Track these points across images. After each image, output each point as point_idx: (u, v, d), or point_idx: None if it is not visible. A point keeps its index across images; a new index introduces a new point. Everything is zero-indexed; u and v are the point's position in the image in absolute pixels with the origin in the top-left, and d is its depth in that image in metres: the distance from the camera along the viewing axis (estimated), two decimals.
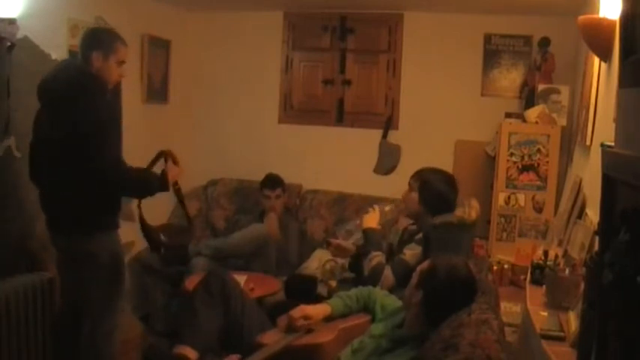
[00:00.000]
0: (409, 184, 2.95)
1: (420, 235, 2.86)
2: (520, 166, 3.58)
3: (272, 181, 3.98)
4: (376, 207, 3.05)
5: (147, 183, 2.58)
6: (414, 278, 2.10)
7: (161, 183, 2.58)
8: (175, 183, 2.71)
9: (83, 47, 2.61)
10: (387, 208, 3.11)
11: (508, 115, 3.80)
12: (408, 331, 2.07)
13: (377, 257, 2.83)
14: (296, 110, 4.49)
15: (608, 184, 1.21)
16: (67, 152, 2.40)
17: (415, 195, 2.90)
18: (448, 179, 2.94)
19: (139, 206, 2.71)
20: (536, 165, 3.56)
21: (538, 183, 3.57)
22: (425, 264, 2.13)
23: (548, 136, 3.55)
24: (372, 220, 2.98)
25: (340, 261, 3.36)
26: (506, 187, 3.61)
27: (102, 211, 2.53)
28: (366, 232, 2.95)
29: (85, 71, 2.52)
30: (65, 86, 2.46)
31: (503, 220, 3.61)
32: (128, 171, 2.51)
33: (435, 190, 2.87)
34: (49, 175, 2.52)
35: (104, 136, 2.42)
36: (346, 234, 3.46)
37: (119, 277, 2.60)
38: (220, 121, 4.59)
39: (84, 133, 2.37)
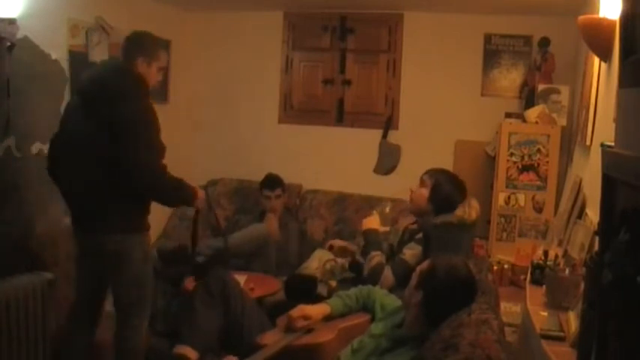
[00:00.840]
0: (421, 179, 2.94)
1: (420, 234, 2.86)
2: (520, 166, 3.58)
3: (272, 181, 3.98)
4: (375, 212, 3.10)
5: (180, 194, 2.65)
6: (414, 278, 2.10)
7: (190, 199, 2.68)
8: (197, 211, 2.83)
9: (128, 50, 2.67)
10: (386, 210, 3.14)
11: (508, 115, 3.79)
12: (408, 331, 2.07)
13: (376, 257, 2.83)
14: (296, 110, 4.49)
15: (608, 184, 1.21)
16: (105, 152, 2.42)
17: (425, 191, 2.90)
18: (459, 184, 2.96)
19: (196, 213, 2.88)
20: (536, 165, 3.56)
21: (538, 183, 3.57)
22: (424, 264, 2.13)
23: (548, 136, 3.55)
24: (372, 222, 3.00)
25: (340, 261, 3.36)
26: (506, 187, 3.61)
27: (135, 212, 2.57)
28: (366, 233, 2.97)
29: (135, 74, 2.57)
30: (115, 87, 2.50)
31: (503, 220, 3.61)
32: (164, 177, 2.53)
33: (446, 191, 2.88)
34: (80, 172, 2.51)
35: (146, 138, 2.47)
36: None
37: (149, 276, 2.65)
38: (220, 121, 4.59)
39: (128, 135, 2.41)
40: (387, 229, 3.13)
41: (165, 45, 2.76)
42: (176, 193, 2.63)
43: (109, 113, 2.42)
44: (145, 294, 2.64)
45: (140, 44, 2.68)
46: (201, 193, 2.74)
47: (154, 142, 2.51)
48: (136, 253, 2.55)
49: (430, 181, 2.91)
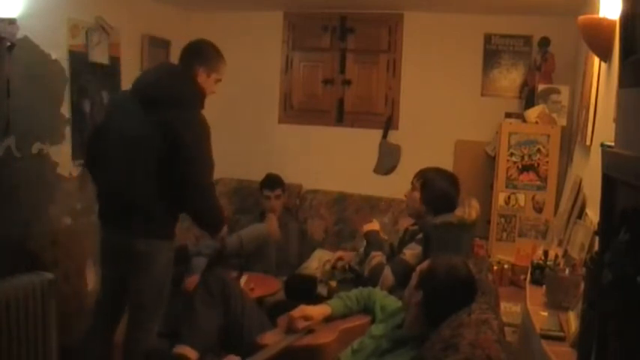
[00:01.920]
0: (412, 183, 2.96)
1: (421, 235, 2.86)
2: (520, 166, 3.58)
3: (272, 182, 3.98)
4: (375, 220, 3.12)
5: (218, 219, 2.71)
6: (414, 279, 2.10)
7: (220, 226, 2.74)
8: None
9: (188, 58, 2.70)
10: (386, 220, 3.17)
11: (508, 115, 3.79)
12: (408, 331, 2.07)
13: (377, 257, 2.83)
14: (296, 110, 4.49)
15: (608, 184, 1.21)
16: (158, 156, 2.42)
17: (417, 194, 2.90)
18: (450, 178, 2.95)
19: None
20: (536, 165, 3.56)
21: (538, 183, 3.57)
22: (424, 264, 2.13)
23: (548, 136, 3.55)
24: (372, 226, 3.03)
25: (340, 263, 3.37)
26: (506, 187, 3.60)
27: (171, 221, 2.61)
28: (367, 235, 2.98)
29: (197, 83, 2.62)
30: (178, 92, 2.54)
31: (503, 220, 3.61)
32: (215, 200, 2.62)
33: (437, 189, 2.88)
34: (126, 174, 2.50)
35: (207, 157, 2.51)
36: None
37: (169, 282, 2.69)
38: (220, 120, 4.57)
39: (192, 152, 2.44)
40: (387, 238, 3.16)
41: (224, 58, 2.86)
42: (217, 218, 2.68)
43: (169, 118, 2.43)
44: (162, 298, 2.66)
45: (201, 53, 2.72)
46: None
47: (211, 160, 2.53)
48: (162, 257, 2.58)
49: (419, 182, 2.92)
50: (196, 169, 2.46)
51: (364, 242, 3.06)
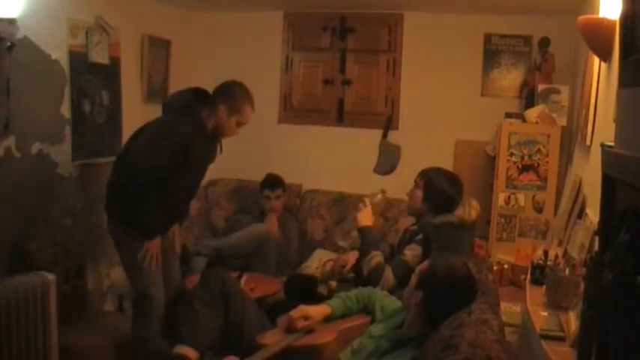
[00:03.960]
0: (415, 181, 2.96)
1: (421, 235, 2.86)
2: (520, 166, 3.58)
3: (272, 182, 3.98)
4: (367, 200, 3.01)
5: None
6: (413, 279, 2.10)
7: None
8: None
9: (215, 94, 2.92)
10: (377, 199, 3.08)
11: (508, 115, 3.79)
12: (408, 331, 2.07)
13: (376, 257, 2.82)
14: (296, 110, 4.49)
15: (608, 184, 1.21)
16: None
17: (420, 193, 2.90)
18: (453, 179, 2.95)
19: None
20: (536, 165, 3.56)
21: (538, 183, 3.57)
22: (424, 264, 2.13)
23: (548, 136, 3.55)
24: (365, 217, 2.94)
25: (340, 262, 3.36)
26: (506, 187, 3.60)
27: None
28: (362, 231, 2.92)
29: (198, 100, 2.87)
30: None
31: (503, 220, 3.61)
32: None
33: (438, 189, 2.88)
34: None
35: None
36: (344, 235, 3.46)
37: None
38: None
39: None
40: (379, 221, 3.09)
41: (253, 102, 3.05)
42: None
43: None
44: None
45: (227, 92, 2.90)
46: (154, 244, 2.81)
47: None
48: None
49: (422, 181, 2.91)
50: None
51: (359, 237, 3.00)
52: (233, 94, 2.91)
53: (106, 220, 2.93)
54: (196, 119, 2.84)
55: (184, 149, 2.77)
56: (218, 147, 3.03)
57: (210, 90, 2.97)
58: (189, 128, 2.80)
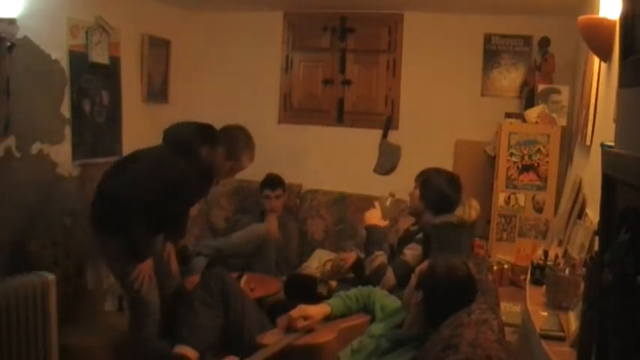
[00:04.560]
0: (415, 181, 2.97)
1: (421, 235, 2.86)
2: (520, 166, 3.58)
3: (272, 181, 3.97)
4: (377, 203, 3.08)
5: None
6: (413, 279, 2.10)
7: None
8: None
9: (218, 136, 2.94)
10: (387, 203, 3.13)
11: (508, 115, 3.79)
12: (408, 331, 2.07)
13: (379, 257, 2.83)
14: (296, 110, 4.49)
15: (608, 184, 1.21)
16: None
17: (417, 192, 2.92)
18: (451, 179, 2.96)
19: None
20: (536, 165, 3.56)
21: (538, 183, 3.57)
22: (424, 264, 2.13)
23: (548, 136, 3.55)
24: (374, 216, 2.98)
25: (341, 262, 3.36)
26: (506, 187, 3.60)
27: None
28: (369, 229, 2.96)
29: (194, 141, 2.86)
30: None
31: (503, 220, 3.61)
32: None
33: (435, 188, 2.88)
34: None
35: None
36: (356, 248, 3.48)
37: None
38: (220, 121, 4.57)
39: None
40: (387, 223, 3.12)
41: (253, 153, 3.12)
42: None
43: None
44: None
45: (229, 138, 2.95)
46: (145, 265, 2.80)
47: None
48: None
49: (420, 180, 2.93)
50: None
51: (365, 235, 3.02)
52: (234, 141, 2.97)
53: (93, 233, 2.91)
54: (194, 159, 2.86)
55: (176, 187, 2.80)
56: (210, 185, 3.13)
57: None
58: (186, 168, 2.82)
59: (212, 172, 2.97)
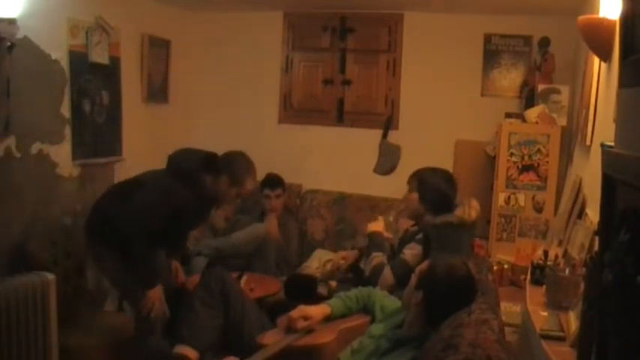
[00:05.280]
0: (408, 184, 2.96)
1: (421, 235, 2.86)
2: (520, 166, 3.58)
3: (272, 181, 3.97)
4: (381, 217, 3.14)
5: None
6: (413, 279, 2.10)
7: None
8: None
9: (219, 164, 3.00)
10: (390, 218, 3.18)
11: (508, 115, 3.79)
12: (408, 331, 2.07)
13: (377, 257, 2.84)
14: (296, 110, 4.49)
15: (608, 184, 1.20)
16: None
17: (415, 195, 2.91)
18: (446, 177, 2.96)
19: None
20: (536, 165, 3.56)
21: (538, 183, 3.57)
22: (424, 264, 2.13)
23: (548, 136, 3.55)
24: (377, 226, 3.03)
25: (341, 262, 3.37)
26: (506, 187, 3.60)
27: None
28: (371, 235, 3.00)
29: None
30: None
31: (503, 220, 3.61)
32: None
33: (433, 187, 2.88)
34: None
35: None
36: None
37: None
38: (220, 121, 4.59)
39: None
40: (391, 236, 3.16)
41: (254, 176, 3.22)
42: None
43: None
44: None
45: (231, 164, 3.01)
46: (155, 291, 2.79)
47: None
48: None
49: (415, 182, 2.92)
50: None
51: (367, 240, 3.06)
52: (236, 166, 3.05)
53: (87, 244, 2.92)
54: (198, 187, 2.91)
55: (180, 214, 2.85)
56: (211, 209, 3.23)
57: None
58: (190, 197, 2.86)
59: (216, 199, 3.05)
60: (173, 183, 2.86)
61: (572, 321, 1.79)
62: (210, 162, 2.99)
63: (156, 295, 2.79)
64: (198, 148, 3.13)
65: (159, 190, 2.83)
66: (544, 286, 2.20)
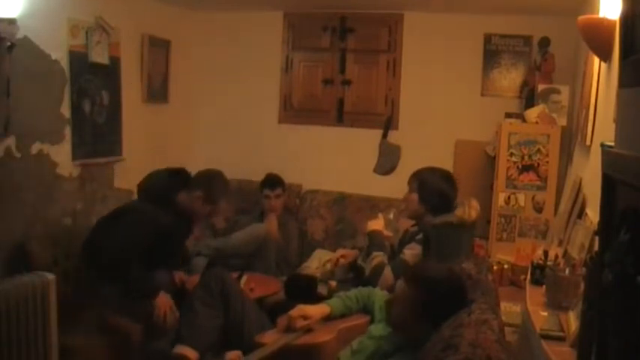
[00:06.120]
0: (408, 184, 2.96)
1: (421, 235, 2.86)
2: (520, 166, 3.58)
3: (272, 181, 3.97)
4: (381, 215, 3.13)
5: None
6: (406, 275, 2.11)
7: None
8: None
9: (195, 180, 3.04)
10: (390, 216, 3.17)
11: (508, 115, 3.79)
12: (402, 331, 2.07)
13: (378, 257, 2.83)
14: (296, 110, 4.49)
15: (608, 184, 1.20)
16: None
17: (415, 195, 2.91)
18: (446, 176, 2.96)
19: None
20: (536, 165, 3.56)
21: (538, 183, 3.57)
22: (419, 266, 2.13)
23: (548, 136, 3.55)
24: (376, 224, 3.03)
25: (341, 261, 3.37)
26: (506, 187, 3.60)
27: None
28: (370, 234, 2.99)
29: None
30: None
31: (503, 220, 3.61)
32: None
33: (434, 188, 2.88)
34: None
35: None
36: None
37: None
38: (220, 120, 4.59)
39: None
40: (391, 234, 3.15)
41: (229, 197, 3.29)
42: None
43: None
44: None
45: (206, 183, 3.03)
46: (162, 300, 2.80)
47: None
48: None
49: (415, 184, 2.92)
50: None
51: (367, 239, 3.06)
52: (212, 185, 3.07)
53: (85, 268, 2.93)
54: (172, 204, 2.97)
55: (162, 236, 2.89)
56: (193, 224, 3.24)
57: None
58: (167, 218, 2.92)
59: (189, 215, 3.08)
60: (149, 207, 2.93)
61: (572, 321, 1.79)
62: (179, 178, 3.04)
63: (164, 302, 2.80)
64: (164, 168, 3.17)
65: (135, 219, 2.87)
66: (544, 286, 2.20)
